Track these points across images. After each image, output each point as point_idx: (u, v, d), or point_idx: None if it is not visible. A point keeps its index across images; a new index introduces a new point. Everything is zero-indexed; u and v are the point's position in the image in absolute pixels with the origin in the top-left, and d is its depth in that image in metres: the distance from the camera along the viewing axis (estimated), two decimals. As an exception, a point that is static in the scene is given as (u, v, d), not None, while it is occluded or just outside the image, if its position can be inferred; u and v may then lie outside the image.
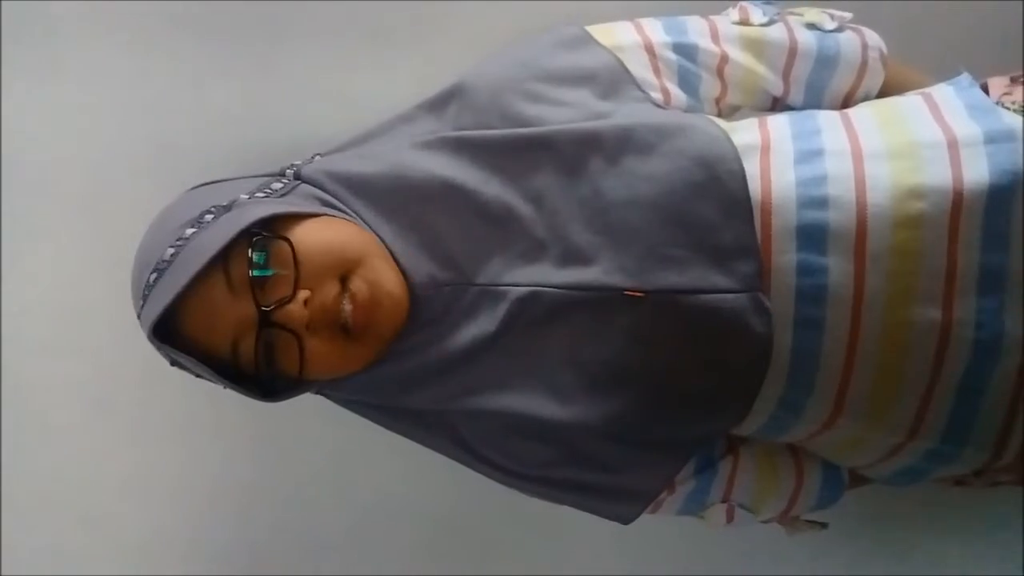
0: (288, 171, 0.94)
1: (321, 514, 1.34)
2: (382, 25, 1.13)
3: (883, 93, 0.98)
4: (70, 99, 1.14)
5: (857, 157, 0.84)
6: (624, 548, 1.35)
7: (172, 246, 0.83)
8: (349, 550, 1.35)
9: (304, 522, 1.34)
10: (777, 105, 0.99)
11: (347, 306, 0.83)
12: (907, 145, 0.84)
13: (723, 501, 0.99)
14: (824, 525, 1.06)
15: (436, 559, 1.36)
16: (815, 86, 0.97)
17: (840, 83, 0.97)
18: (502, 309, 0.87)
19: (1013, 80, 0.92)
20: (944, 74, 0.93)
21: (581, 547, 1.36)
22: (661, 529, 1.31)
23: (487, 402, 0.89)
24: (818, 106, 0.97)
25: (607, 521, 0.97)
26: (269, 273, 0.82)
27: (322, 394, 0.96)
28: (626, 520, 0.95)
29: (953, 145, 0.83)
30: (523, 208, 0.87)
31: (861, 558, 1.38)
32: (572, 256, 0.85)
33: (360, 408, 0.97)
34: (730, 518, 1.00)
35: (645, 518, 1.00)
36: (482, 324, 0.87)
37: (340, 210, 0.90)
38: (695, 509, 1.00)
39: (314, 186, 0.92)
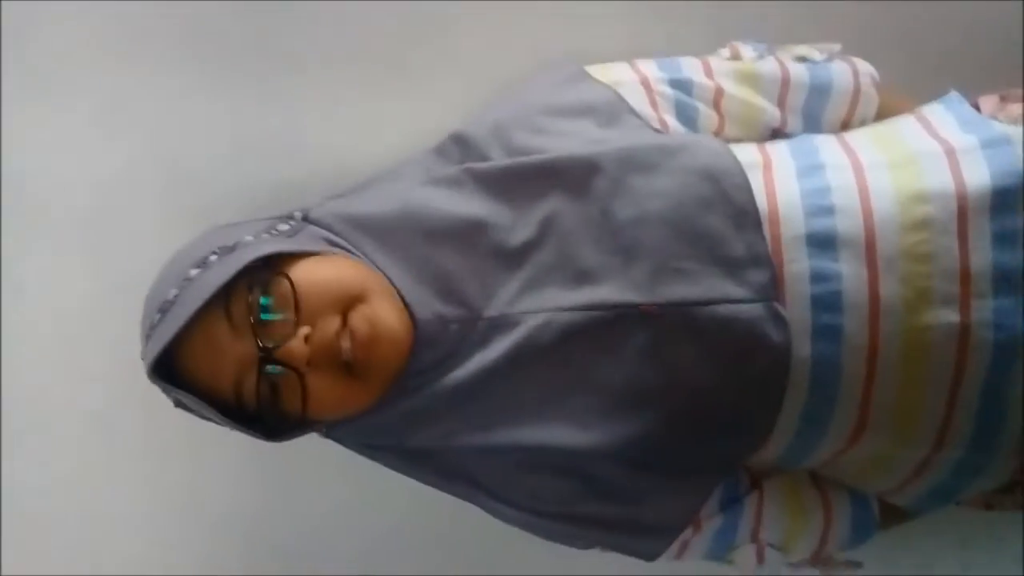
0: (296, 213, 0.95)
1: (331, 539, 1.30)
2: (398, 54, 1.14)
3: (877, 119, 1.00)
4: (78, 120, 1.14)
5: (858, 169, 0.86)
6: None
7: (176, 287, 0.84)
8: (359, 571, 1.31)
9: (314, 548, 1.30)
10: (775, 137, 1.00)
11: (345, 343, 0.82)
12: (906, 156, 0.86)
13: (752, 541, 0.96)
14: (859, 564, 1.02)
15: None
16: (811, 115, 0.99)
17: (836, 110, 0.99)
18: (513, 338, 0.86)
19: (1003, 98, 0.94)
20: (944, 76, 0.95)
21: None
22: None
23: (501, 437, 0.87)
24: (817, 133, 0.98)
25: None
26: (271, 317, 0.82)
27: (333, 438, 0.94)
28: (651, 556, 0.92)
29: (951, 153, 0.84)
30: (533, 236, 0.87)
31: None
32: (583, 277, 0.85)
33: (371, 452, 0.95)
34: (760, 559, 0.97)
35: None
36: (491, 354, 0.86)
37: (346, 250, 0.90)
38: (723, 551, 0.96)
39: (322, 227, 0.92)
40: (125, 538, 1.27)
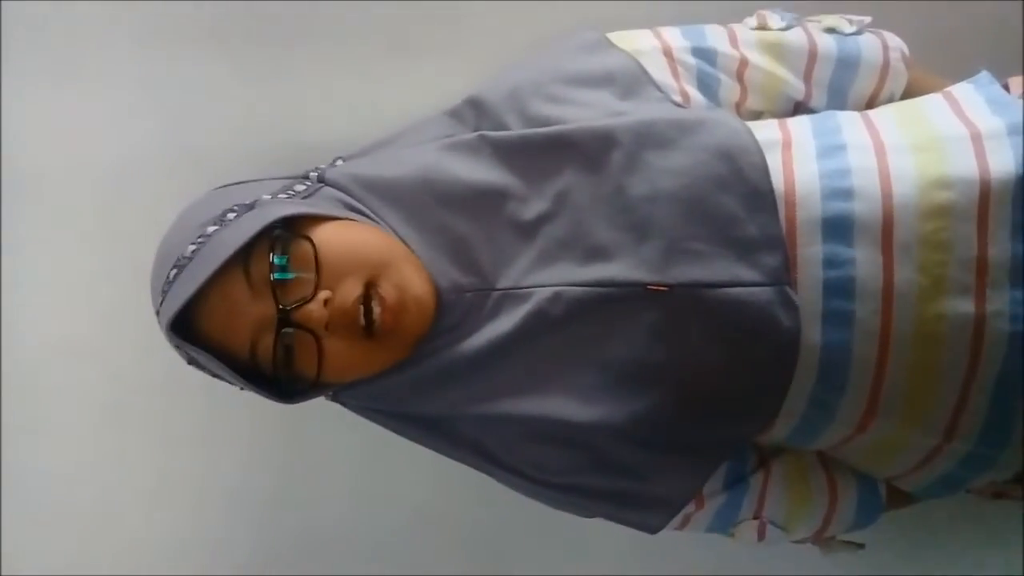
0: (312, 174, 0.94)
1: (343, 522, 1.32)
2: (399, 31, 1.14)
3: (906, 96, 0.98)
4: (85, 103, 1.14)
5: (880, 151, 0.84)
6: (639, 548, 1.30)
7: (193, 243, 0.83)
8: (371, 558, 1.32)
9: (326, 530, 1.32)
10: (799, 110, 0.98)
11: (376, 308, 0.82)
12: (930, 139, 0.83)
13: (754, 518, 0.96)
14: (860, 545, 1.02)
15: (459, 566, 1.33)
16: (838, 89, 0.96)
17: (863, 85, 0.97)
18: (524, 310, 0.85)
19: (1035, 80, 0.91)
20: (950, 75, 0.93)
21: (599, 549, 1.32)
22: (680, 547, 1.27)
23: (508, 407, 0.87)
24: (842, 109, 0.96)
25: (631, 543, 0.94)
26: (290, 276, 0.82)
27: (338, 401, 0.94)
28: (653, 529, 0.92)
29: (977, 138, 0.82)
30: (547, 209, 0.86)
31: (856, 557, 1.32)
32: (594, 253, 0.84)
33: (378, 417, 0.95)
34: (761, 535, 0.97)
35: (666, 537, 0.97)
36: (501, 326, 0.86)
37: (364, 215, 0.89)
38: (725, 526, 0.97)
39: (338, 189, 0.92)
40: (135, 522, 1.30)
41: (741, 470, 0.95)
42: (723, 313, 0.81)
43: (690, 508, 0.93)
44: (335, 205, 0.90)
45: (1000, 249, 0.79)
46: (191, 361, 0.88)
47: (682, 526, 0.95)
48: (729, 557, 1.24)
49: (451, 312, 0.87)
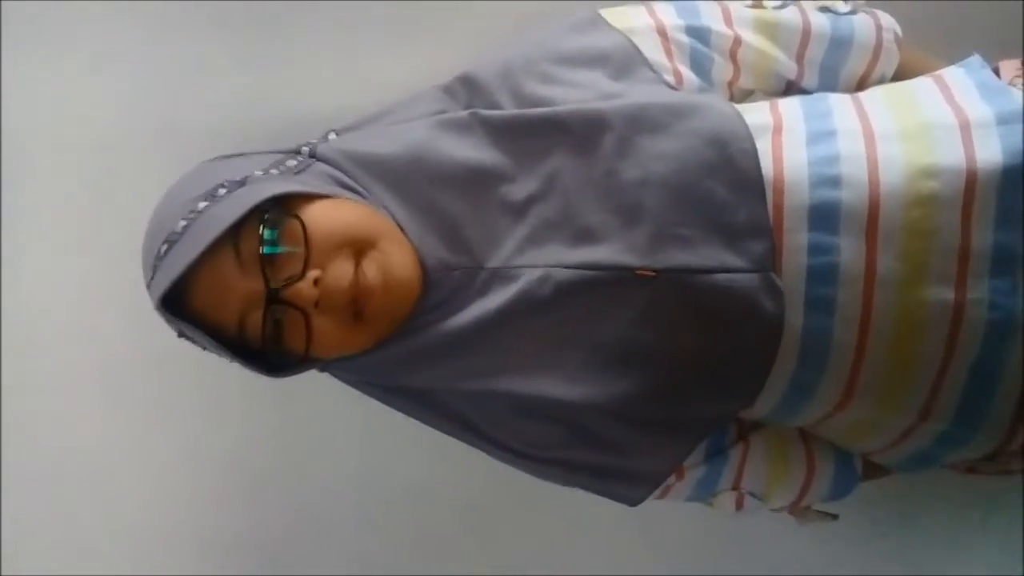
0: (304, 148, 0.94)
1: (336, 502, 1.34)
2: (391, 11, 1.14)
3: (897, 77, 0.98)
4: (76, 84, 1.14)
5: (869, 138, 0.84)
6: (634, 544, 1.35)
7: (184, 218, 0.84)
8: (362, 537, 1.35)
9: (319, 510, 1.34)
10: (791, 89, 0.98)
11: (363, 282, 0.83)
12: (919, 126, 0.84)
13: (733, 488, 0.99)
14: (834, 516, 1.05)
15: (455, 548, 1.37)
16: (830, 68, 0.97)
17: (855, 65, 0.97)
18: (512, 290, 0.86)
19: (1025, 63, 0.91)
20: (943, 55, 0.93)
21: (595, 541, 1.36)
22: (673, 524, 1.32)
23: (495, 384, 0.89)
24: (833, 89, 0.96)
25: (622, 515, 0.97)
26: (279, 250, 0.82)
27: (328, 372, 0.96)
28: (634, 502, 0.95)
29: (965, 127, 0.82)
30: (537, 189, 0.87)
31: (856, 557, 1.37)
32: (583, 236, 0.85)
33: (367, 388, 0.97)
34: (739, 506, 1.00)
35: (657, 506, 1.00)
36: (488, 304, 0.87)
37: (355, 191, 0.90)
38: (704, 496, 0.99)
39: (329, 165, 0.92)
40: (132, 492, 1.31)
41: (721, 443, 0.97)
42: (709, 298, 0.82)
43: (671, 479, 0.95)
44: (326, 181, 0.90)
45: (983, 238, 0.80)
46: (181, 334, 0.89)
47: (662, 496, 0.98)
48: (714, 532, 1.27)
49: (439, 289, 0.88)
